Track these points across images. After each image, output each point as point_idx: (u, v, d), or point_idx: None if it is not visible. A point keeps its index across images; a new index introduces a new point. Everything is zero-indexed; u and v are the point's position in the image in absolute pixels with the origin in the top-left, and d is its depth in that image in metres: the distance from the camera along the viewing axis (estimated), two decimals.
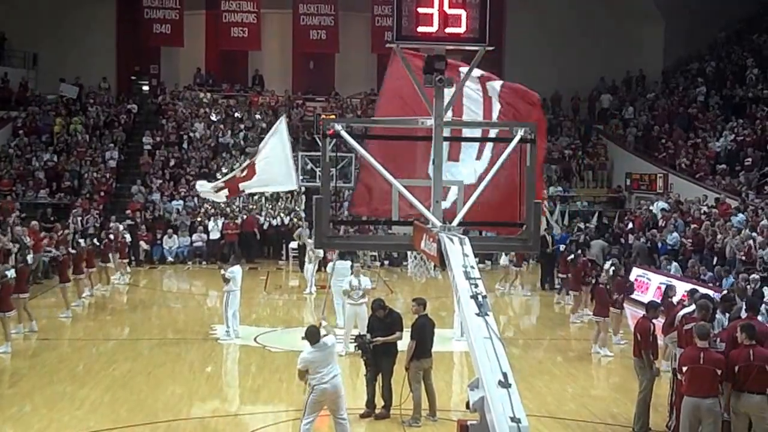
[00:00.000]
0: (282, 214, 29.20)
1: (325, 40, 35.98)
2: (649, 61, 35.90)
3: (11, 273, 15.96)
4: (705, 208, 24.15)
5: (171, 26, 35.66)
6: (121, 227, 25.33)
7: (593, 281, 18.06)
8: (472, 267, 6.03)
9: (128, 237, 25.26)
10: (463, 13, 7.10)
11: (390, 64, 9.32)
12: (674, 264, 21.51)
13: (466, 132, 8.94)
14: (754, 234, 19.89)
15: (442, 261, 6.60)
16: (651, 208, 26.99)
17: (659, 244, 23.55)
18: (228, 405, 12.97)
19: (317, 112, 33.31)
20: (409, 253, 8.73)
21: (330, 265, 17.83)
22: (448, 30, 7.09)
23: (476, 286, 5.80)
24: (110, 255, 23.42)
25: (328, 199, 7.66)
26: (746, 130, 27.66)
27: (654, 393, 11.49)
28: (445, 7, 7.07)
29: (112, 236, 23.96)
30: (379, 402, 11.89)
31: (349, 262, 17.39)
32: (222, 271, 16.96)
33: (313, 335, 10.04)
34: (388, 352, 11.79)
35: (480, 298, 5.69)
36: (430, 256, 7.03)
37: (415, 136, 8.18)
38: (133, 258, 26.56)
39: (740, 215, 22.01)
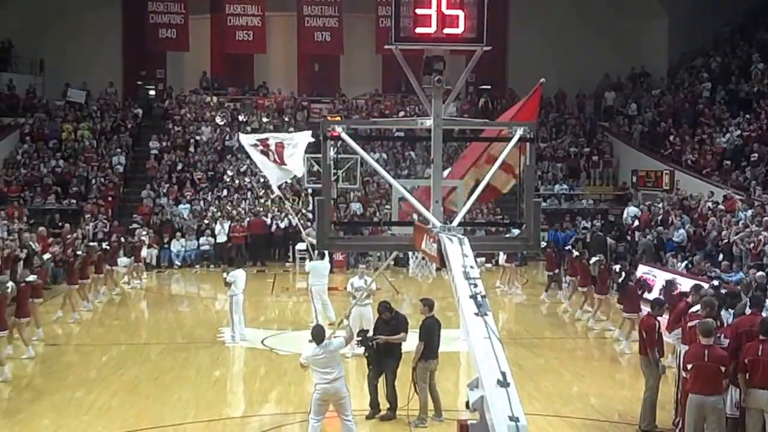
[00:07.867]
0: (289, 216, 29.20)
1: (330, 41, 36.03)
2: (653, 57, 35.77)
3: (33, 278, 15.99)
4: (710, 204, 24.07)
5: (176, 31, 35.73)
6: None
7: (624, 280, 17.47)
8: (472, 267, 6.05)
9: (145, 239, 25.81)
10: (461, 13, 7.13)
11: None
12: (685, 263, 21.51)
13: None
14: (759, 229, 19.83)
15: (442, 261, 6.63)
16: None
17: (665, 241, 23.50)
18: (235, 408, 12.99)
19: (323, 113, 33.32)
20: (410, 253, 8.78)
21: (308, 264, 17.81)
22: (447, 31, 7.13)
23: (475, 285, 5.82)
24: (117, 259, 23.59)
25: (329, 200, 7.72)
26: (752, 125, 27.54)
27: (660, 391, 11.48)
28: (443, 8, 7.10)
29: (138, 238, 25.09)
30: (384, 403, 11.87)
31: (327, 262, 17.53)
32: (224, 275, 16.97)
33: (318, 335, 10.12)
34: (392, 353, 11.75)
35: (479, 297, 5.70)
36: (430, 256, 7.06)
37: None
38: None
39: (748, 211, 21.93)
